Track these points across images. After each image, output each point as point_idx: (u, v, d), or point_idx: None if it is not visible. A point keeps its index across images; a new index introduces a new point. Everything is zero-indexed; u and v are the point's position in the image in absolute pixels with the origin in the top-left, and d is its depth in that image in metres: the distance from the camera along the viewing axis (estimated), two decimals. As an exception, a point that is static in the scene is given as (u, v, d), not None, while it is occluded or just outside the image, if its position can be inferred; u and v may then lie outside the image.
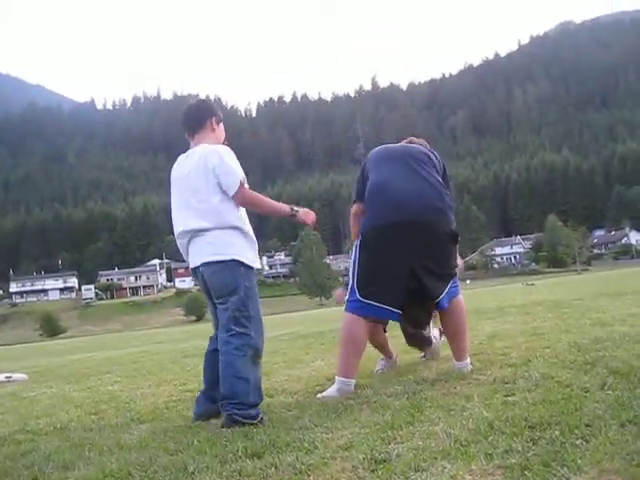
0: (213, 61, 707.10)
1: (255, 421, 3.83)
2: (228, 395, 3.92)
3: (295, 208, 4.47)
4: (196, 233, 4.23)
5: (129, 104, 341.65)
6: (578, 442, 2.58)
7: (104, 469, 3.06)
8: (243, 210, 4.34)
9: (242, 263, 4.18)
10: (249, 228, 4.36)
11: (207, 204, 4.18)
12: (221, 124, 4.63)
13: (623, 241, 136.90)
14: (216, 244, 4.16)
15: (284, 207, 4.45)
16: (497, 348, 6.01)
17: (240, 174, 4.21)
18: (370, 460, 2.71)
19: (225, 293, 4.15)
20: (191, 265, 4.37)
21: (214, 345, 4.36)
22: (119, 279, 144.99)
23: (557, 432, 2.74)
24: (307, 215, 4.52)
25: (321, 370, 6.31)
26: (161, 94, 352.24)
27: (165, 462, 3.09)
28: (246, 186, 4.22)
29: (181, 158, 4.56)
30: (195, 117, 4.61)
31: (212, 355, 4.34)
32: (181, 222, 4.37)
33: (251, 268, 4.27)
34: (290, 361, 7.59)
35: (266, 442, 3.21)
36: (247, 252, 4.26)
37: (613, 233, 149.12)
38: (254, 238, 4.41)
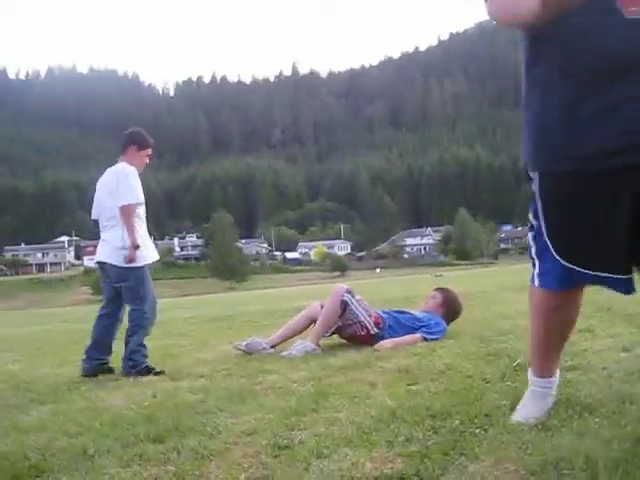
0: (132, 37, 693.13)
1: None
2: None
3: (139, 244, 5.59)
4: None
5: (43, 76, 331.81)
6: (477, 431, 2.65)
7: (-1, 451, 2.97)
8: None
9: None
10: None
11: None
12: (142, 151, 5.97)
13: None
14: None
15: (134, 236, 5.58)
16: (403, 337, 6.09)
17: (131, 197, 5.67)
18: (273, 446, 2.71)
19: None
20: None
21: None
22: (25, 255, 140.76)
23: (457, 421, 2.80)
24: (135, 256, 5.58)
25: (228, 354, 6.28)
26: (77, 67, 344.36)
27: (64, 445, 3.03)
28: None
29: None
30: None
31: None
32: None
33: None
34: (198, 344, 7.54)
35: (169, 426, 3.17)
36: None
37: (520, 229, 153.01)
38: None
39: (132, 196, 5.66)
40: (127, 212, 5.60)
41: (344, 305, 5.79)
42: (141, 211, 5.82)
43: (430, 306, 6.22)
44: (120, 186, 5.67)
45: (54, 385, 5.19)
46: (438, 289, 6.44)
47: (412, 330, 5.81)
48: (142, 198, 5.77)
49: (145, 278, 5.72)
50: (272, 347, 5.99)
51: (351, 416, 3.08)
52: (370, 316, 5.85)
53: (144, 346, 5.64)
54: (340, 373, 4.38)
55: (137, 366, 5.48)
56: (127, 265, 5.61)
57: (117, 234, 5.70)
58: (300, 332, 6.18)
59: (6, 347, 10.26)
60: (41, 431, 3.37)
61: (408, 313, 6.13)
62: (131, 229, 5.57)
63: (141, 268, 5.68)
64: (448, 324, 6.10)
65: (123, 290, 5.72)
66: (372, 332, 5.77)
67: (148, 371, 5.41)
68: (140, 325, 5.64)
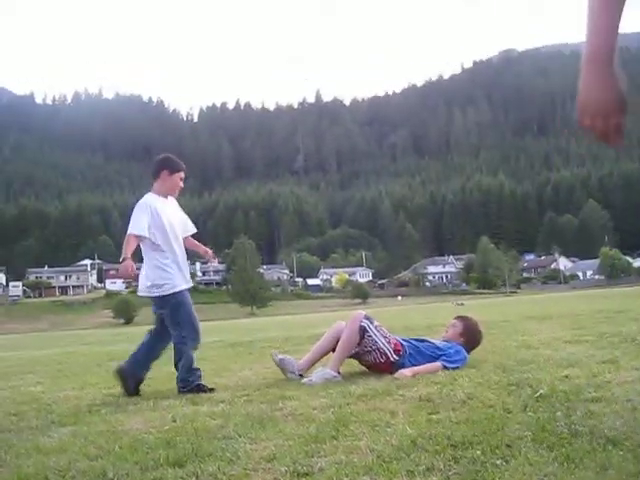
0: (157, 63, 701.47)
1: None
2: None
3: (127, 257, 5.70)
4: None
5: (69, 100, 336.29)
6: (498, 462, 2.62)
7: (20, 472, 2.98)
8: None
9: None
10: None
11: None
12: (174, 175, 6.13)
13: (552, 266, 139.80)
14: None
15: (126, 252, 5.73)
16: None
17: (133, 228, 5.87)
18: (292, 473, 2.70)
19: None
20: None
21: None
22: (49, 277, 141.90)
23: (479, 451, 2.78)
24: (125, 269, 5.65)
25: (248, 380, 6.28)
26: (103, 92, 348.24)
27: (84, 467, 3.03)
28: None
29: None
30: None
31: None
32: None
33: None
34: (218, 369, 7.53)
35: (189, 451, 3.17)
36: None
37: (543, 258, 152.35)
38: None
39: (132, 227, 5.89)
40: (128, 238, 5.84)
41: (362, 331, 5.76)
42: (165, 237, 5.96)
43: (450, 335, 6.18)
44: (132, 217, 5.97)
45: (75, 407, 5.21)
46: (458, 317, 6.40)
47: (432, 359, 5.78)
48: (144, 231, 5.88)
49: (180, 304, 5.88)
50: (300, 375, 5.97)
51: (371, 444, 3.06)
52: (389, 342, 5.82)
53: (193, 369, 5.82)
54: (360, 401, 4.35)
55: (187, 385, 5.70)
56: (159, 294, 5.88)
57: (143, 268, 6.03)
58: (327, 353, 6.17)
59: (28, 369, 10.31)
60: (62, 453, 3.38)
61: (428, 342, 6.10)
62: (126, 249, 5.76)
63: (173, 295, 5.87)
64: (469, 352, 6.06)
65: (164, 317, 5.97)
66: (392, 359, 5.74)
67: (198, 389, 5.61)
68: (181, 349, 5.85)
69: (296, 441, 3.25)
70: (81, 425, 4.31)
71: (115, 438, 3.69)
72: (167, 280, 5.87)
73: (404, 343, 5.90)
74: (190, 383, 5.69)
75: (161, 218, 5.96)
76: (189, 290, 6.09)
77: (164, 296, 5.86)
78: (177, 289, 5.89)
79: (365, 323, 5.80)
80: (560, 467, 2.49)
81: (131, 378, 5.89)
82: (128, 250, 5.78)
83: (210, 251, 6.68)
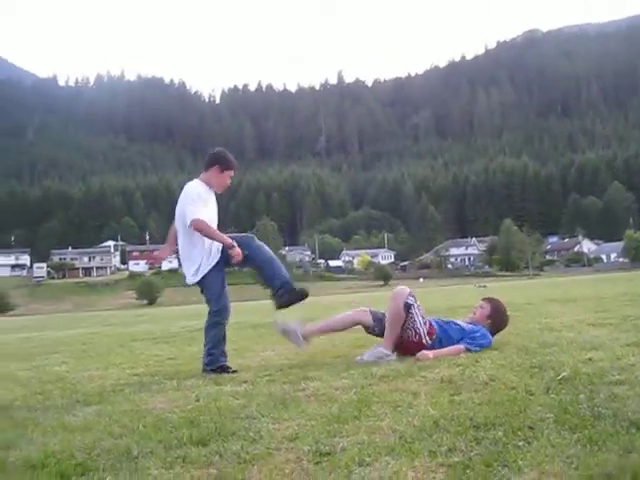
0: (179, 45, 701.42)
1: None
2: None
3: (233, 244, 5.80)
4: None
5: (92, 82, 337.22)
6: (520, 444, 2.62)
7: (46, 450, 3.03)
8: None
9: None
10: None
11: None
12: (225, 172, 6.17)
13: (576, 249, 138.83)
14: None
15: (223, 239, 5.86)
16: (446, 347, 6.05)
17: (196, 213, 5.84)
18: (315, 452, 2.72)
19: None
20: None
21: None
22: (72, 259, 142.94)
23: (500, 433, 2.78)
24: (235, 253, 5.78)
25: (270, 360, 6.32)
26: (125, 75, 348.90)
27: (109, 445, 3.07)
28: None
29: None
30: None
31: None
32: None
33: None
34: (240, 350, 7.57)
35: (212, 430, 3.20)
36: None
37: (566, 240, 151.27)
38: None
39: (195, 212, 5.87)
40: (197, 224, 5.84)
41: (407, 307, 5.75)
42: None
43: (478, 317, 6.14)
44: (185, 205, 5.97)
45: (99, 387, 5.27)
46: (486, 299, 6.34)
47: (457, 342, 5.76)
48: (204, 216, 5.92)
49: (211, 284, 5.96)
50: (305, 339, 5.98)
51: (393, 425, 3.07)
52: (425, 324, 5.81)
53: (218, 346, 5.86)
54: (383, 382, 4.36)
55: (212, 363, 5.74)
56: (193, 281, 6.03)
57: (183, 254, 6.16)
58: (338, 331, 6.26)
59: (53, 349, 10.42)
60: (87, 431, 3.43)
61: (455, 324, 6.06)
62: (212, 234, 5.89)
63: (201, 278, 5.95)
64: (494, 335, 6.04)
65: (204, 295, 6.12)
66: (423, 341, 5.73)
67: (222, 370, 5.64)
68: (210, 325, 5.93)
69: (318, 421, 3.27)
70: (105, 404, 4.37)
71: (139, 417, 3.73)
72: (197, 266, 5.95)
73: (436, 327, 5.87)
74: (215, 359, 5.77)
75: (208, 207, 6.06)
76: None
77: (195, 283, 6.02)
78: (205, 273, 5.95)
79: (411, 300, 5.77)
80: (583, 449, 2.48)
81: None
82: (218, 233, 5.91)
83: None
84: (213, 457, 2.77)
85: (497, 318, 6.14)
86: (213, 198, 6.21)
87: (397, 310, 5.74)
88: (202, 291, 6.07)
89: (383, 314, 5.98)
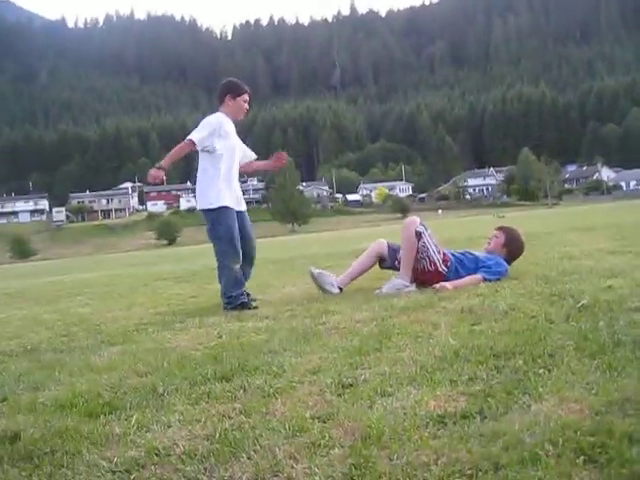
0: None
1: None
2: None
3: (162, 166, 5.89)
4: None
5: (101, 23, 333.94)
6: (541, 371, 2.64)
7: (74, 390, 3.08)
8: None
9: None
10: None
11: None
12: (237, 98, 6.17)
13: (595, 177, 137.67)
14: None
15: (166, 159, 6.01)
16: (466, 278, 6.07)
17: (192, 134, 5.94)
18: (337, 384, 2.76)
19: None
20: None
21: None
22: (90, 202, 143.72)
23: (521, 361, 2.80)
24: (153, 175, 5.86)
25: (291, 295, 6.37)
26: (134, 14, 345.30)
27: (135, 383, 3.13)
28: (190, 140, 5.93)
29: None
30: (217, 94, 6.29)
31: None
32: None
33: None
34: (261, 286, 7.63)
35: (235, 365, 3.24)
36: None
37: (585, 169, 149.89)
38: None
39: (192, 134, 5.99)
40: (183, 143, 5.99)
41: (419, 235, 5.79)
42: (219, 153, 6.02)
43: (493, 246, 6.15)
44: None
45: (123, 327, 5.33)
46: (500, 228, 6.33)
47: (474, 272, 5.79)
48: (204, 142, 5.96)
49: (221, 220, 5.95)
50: (340, 289, 6.06)
51: (414, 356, 3.10)
52: (439, 252, 5.84)
53: (237, 282, 5.88)
54: (403, 314, 4.39)
55: (232, 302, 5.76)
56: (204, 208, 6.06)
57: (198, 182, 6.19)
58: (367, 270, 6.29)
59: (76, 291, 10.55)
60: (112, 371, 3.49)
61: (470, 254, 6.08)
62: (174, 152, 6.05)
63: (214, 210, 5.96)
64: (510, 263, 6.06)
65: (207, 231, 6.17)
66: (440, 269, 5.77)
67: (242, 306, 5.69)
68: (222, 264, 5.97)
69: (340, 354, 3.31)
70: (130, 344, 4.43)
71: (163, 355, 3.78)
72: (212, 195, 5.97)
73: (450, 256, 5.91)
74: (234, 299, 5.77)
75: (230, 139, 6.09)
76: (240, 214, 6.16)
77: (206, 210, 6.02)
78: (219, 205, 5.95)
79: (421, 228, 5.81)
80: (602, 375, 2.50)
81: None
82: (171, 155, 6.05)
83: (282, 153, 6.64)
84: (237, 392, 2.81)
85: (512, 246, 6.15)
86: (233, 128, 6.21)
87: (409, 238, 5.81)
88: (206, 224, 6.15)
89: (399, 246, 6.02)
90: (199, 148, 5.97)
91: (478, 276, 5.67)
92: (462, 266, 5.85)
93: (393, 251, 6.11)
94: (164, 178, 6.01)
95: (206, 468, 2.03)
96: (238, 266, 5.95)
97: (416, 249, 5.79)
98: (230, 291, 5.81)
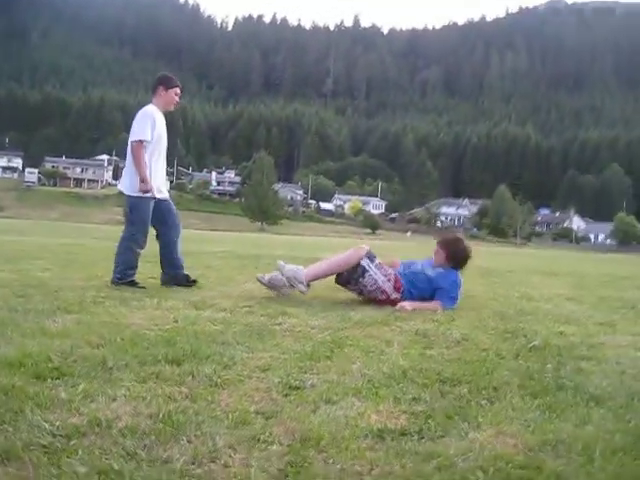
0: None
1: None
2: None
3: (145, 178, 6.29)
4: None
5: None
6: (483, 402, 2.71)
7: (24, 350, 3.09)
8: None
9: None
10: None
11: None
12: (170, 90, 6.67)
13: (565, 224, 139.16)
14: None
15: (143, 170, 6.30)
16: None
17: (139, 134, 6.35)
18: (285, 385, 2.80)
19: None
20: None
21: None
22: (65, 168, 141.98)
23: (465, 390, 2.87)
24: (145, 188, 6.31)
25: (251, 292, 6.38)
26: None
27: (86, 353, 3.14)
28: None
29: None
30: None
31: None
32: None
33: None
34: (223, 278, 7.65)
35: (187, 351, 3.27)
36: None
37: (557, 214, 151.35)
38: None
39: (140, 133, 6.37)
40: (135, 148, 6.33)
41: (362, 271, 5.79)
42: (153, 148, 6.46)
43: (438, 262, 6.13)
44: (133, 125, 6.48)
45: (80, 296, 5.32)
46: (439, 243, 6.23)
47: (427, 293, 5.84)
48: (148, 136, 6.35)
49: (138, 207, 6.48)
50: (307, 286, 5.93)
51: (363, 369, 3.15)
52: (389, 280, 5.87)
53: (133, 265, 6.49)
54: (358, 327, 4.45)
55: (124, 278, 6.32)
56: (125, 193, 6.54)
57: (127, 167, 6.55)
58: (333, 274, 6.08)
59: (37, 255, 10.48)
60: (65, 338, 3.49)
61: (420, 272, 6.05)
62: (138, 163, 6.30)
63: (134, 197, 6.45)
64: (462, 268, 6.12)
65: (124, 215, 6.81)
66: (392, 297, 5.82)
67: (132, 284, 6.27)
68: (127, 246, 6.48)
69: (291, 356, 3.35)
70: (85, 314, 4.43)
71: (117, 330, 3.80)
72: (135, 182, 6.39)
73: (403, 281, 5.91)
74: (127, 276, 6.33)
75: (158, 130, 6.48)
76: (164, 202, 6.65)
77: (128, 195, 6.49)
78: (138, 194, 6.41)
79: (365, 263, 5.82)
80: (541, 415, 2.57)
81: (173, 282, 6.55)
82: (144, 166, 6.34)
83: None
84: (186, 377, 2.84)
85: (457, 258, 6.12)
86: (162, 118, 6.65)
87: (345, 261, 5.89)
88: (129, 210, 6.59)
89: (377, 262, 6.02)
90: (150, 139, 6.40)
91: (438, 305, 5.71)
92: (414, 287, 5.88)
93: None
94: (153, 186, 6.41)
95: (146, 445, 2.06)
96: (140, 251, 6.50)
97: (341, 271, 5.88)
98: (124, 270, 6.35)
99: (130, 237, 6.46)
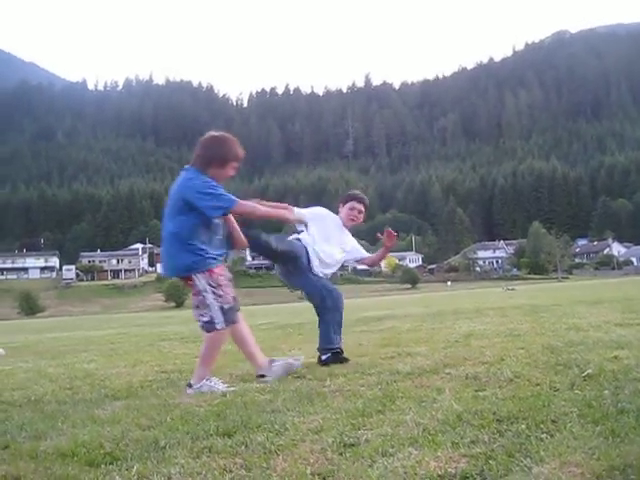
0: (207, 49, 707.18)
1: None
2: None
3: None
4: None
5: (121, 86, 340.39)
6: (543, 436, 2.64)
7: (76, 440, 3.09)
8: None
9: None
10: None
11: None
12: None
13: (605, 252, 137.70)
14: None
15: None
16: (472, 347, 6.08)
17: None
18: (339, 444, 2.76)
19: None
20: None
21: None
22: (101, 261, 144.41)
23: (523, 426, 2.80)
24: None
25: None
26: (153, 78, 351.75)
27: (137, 436, 3.13)
28: None
29: None
30: None
31: None
32: None
33: None
34: (267, 349, 7.60)
35: (238, 422, 3.25)
36: None
37: (596, 243, 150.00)
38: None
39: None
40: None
41: None
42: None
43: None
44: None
45: (127, 383, 5.34)
46: None
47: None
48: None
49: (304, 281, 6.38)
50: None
51: (417, 418, 3.09)
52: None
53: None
54: (408, 379, 4.38)
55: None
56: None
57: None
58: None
59: (82, 348, 10.55)
60: (115, 423, 3.49)
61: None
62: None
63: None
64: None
65: None
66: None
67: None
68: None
69: (343, 415, 3.31)
70: (133, 399, 4.43)
71: (166, 410, 3.79)
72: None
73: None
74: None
75: None
76: None
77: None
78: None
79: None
80: (605, 441, 2.49)
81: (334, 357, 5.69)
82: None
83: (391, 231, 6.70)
84: (239, 447, 2.81)
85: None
86: None
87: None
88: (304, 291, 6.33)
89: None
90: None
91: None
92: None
93: None
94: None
95: (205, 519, 2.03)
96: None
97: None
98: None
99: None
